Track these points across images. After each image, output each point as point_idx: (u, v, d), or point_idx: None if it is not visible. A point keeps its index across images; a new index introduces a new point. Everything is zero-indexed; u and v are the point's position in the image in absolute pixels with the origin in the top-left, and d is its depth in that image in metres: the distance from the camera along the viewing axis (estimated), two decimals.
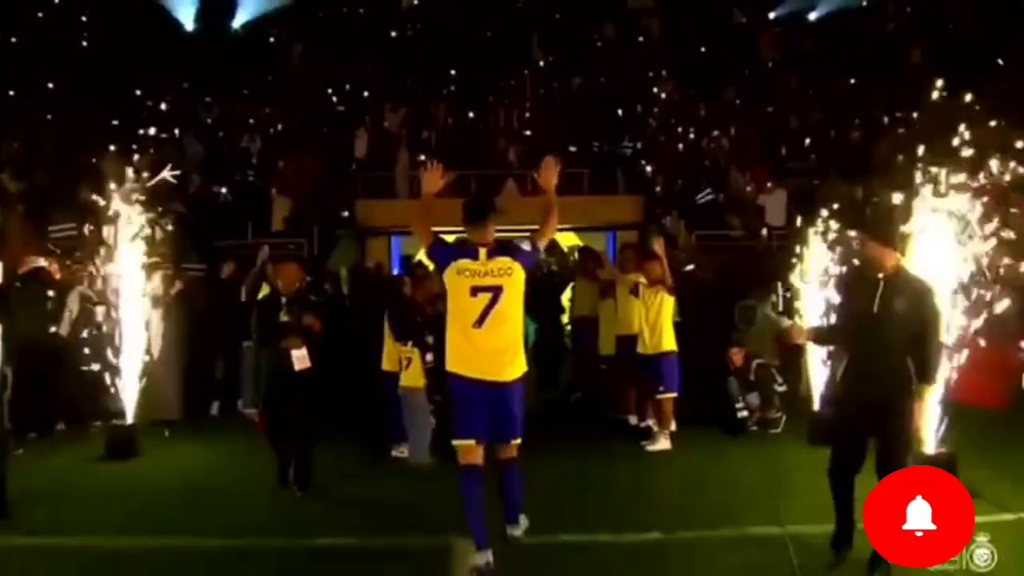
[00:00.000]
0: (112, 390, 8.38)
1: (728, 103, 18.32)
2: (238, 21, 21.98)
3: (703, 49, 20.30)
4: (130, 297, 8.41)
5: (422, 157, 16.35)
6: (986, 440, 7.69)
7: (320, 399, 7.25)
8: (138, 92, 18.57)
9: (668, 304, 8.68)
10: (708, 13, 21.23)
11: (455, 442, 5.26)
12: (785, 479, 6.77)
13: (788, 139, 17.10)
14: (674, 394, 8.55)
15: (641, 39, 20.97)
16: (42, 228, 12.08)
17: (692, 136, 17.37)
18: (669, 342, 8.65)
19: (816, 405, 8.65)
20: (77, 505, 6.89)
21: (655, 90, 18.91)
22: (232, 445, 8.93)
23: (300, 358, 6.99)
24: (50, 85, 17.85)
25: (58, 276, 9.73)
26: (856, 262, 7.56)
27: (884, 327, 4.88)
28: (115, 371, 8.35)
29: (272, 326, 7.13)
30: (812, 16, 21.21)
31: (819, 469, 5.09)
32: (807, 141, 16.63)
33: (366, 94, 19.34)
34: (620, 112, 18.13)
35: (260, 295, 8.15)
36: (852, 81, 18.12)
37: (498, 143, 17.67)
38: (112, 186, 8.27)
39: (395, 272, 13.97)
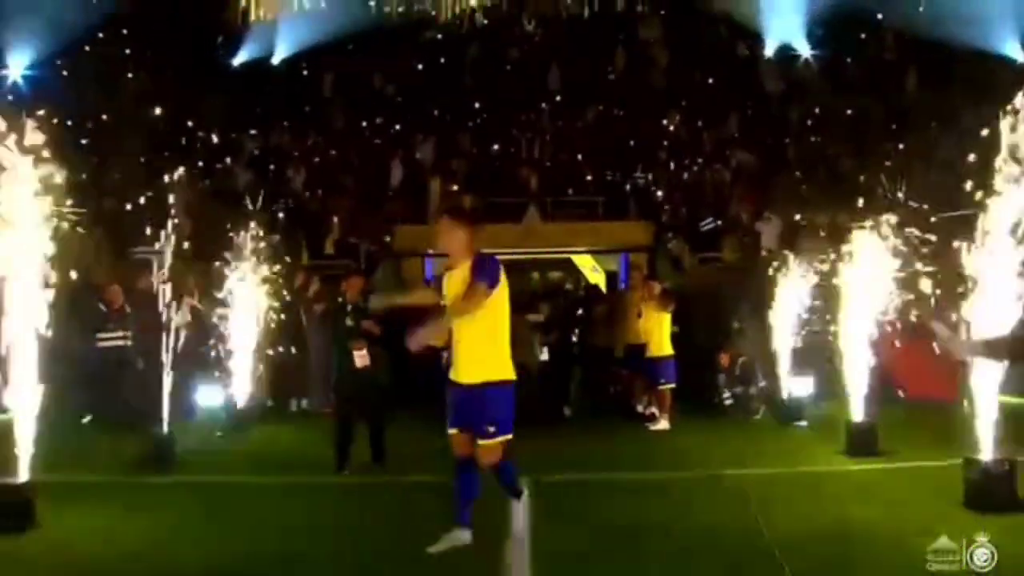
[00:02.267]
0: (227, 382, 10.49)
1: (729, 135, 19.81)
2: (277, 57, 23.57)
3: (710, 80, 21.70)
4: (235, 307, 10.43)
5: (455, 187, 18.24)
6: None
7: (385, 388, 8.68)
8: (189, 123, 20.19)
9: (666, 318, 10.75)
10: (712, 46, 22.63)
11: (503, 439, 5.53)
12: (755, 443, 8.84)
13: (785, 168, 18.24)
14: (672, 385, 10.57)
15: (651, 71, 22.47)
16: (122, 250, 13.94)
17: (696, 168, 18.87)
18: (668, 348, 10.73)
19: (786, 394, 10.56)
20: (213, 457, 9.02)
21: (664, 122, 20.44)
22: (319, 427, 10.42)
23: (361, 356, 8.05)
24: (104, 117, 19.37)
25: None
26: None
27: None
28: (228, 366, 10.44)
29: (341, 330, 8.25)
30: (808, 49, 22.12)
31: (783, 438, 6.70)
32: (797, 174, 17.76)
33: (398, 127, 21.10)
34: (632, 143, 19.65)
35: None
36: (848, 112, 19.51)
37: (520, 172, 19.14)
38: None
39: None
